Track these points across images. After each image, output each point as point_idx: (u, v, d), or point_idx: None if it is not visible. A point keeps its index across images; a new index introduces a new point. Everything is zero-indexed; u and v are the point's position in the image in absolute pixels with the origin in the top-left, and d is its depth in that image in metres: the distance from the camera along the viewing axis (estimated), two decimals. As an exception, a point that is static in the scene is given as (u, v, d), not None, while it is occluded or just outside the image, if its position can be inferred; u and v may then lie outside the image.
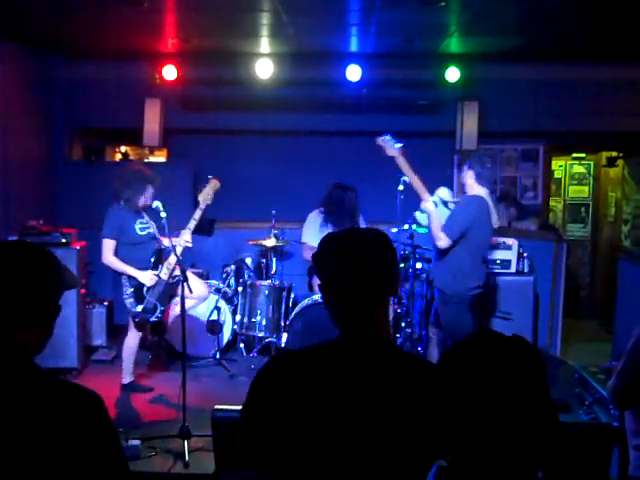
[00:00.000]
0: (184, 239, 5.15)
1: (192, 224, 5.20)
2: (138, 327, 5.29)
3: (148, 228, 5.22)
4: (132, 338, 5.33)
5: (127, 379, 5.40)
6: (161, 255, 5.25)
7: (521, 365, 1.42)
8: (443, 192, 5.26)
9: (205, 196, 5.20)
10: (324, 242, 1.79)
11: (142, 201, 5.13)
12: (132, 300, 5.14)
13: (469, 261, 4.88)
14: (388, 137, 5.00)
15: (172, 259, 5.12)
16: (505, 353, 1.43)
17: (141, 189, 5.12)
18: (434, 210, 4.94)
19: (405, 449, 1.62)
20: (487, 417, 1.39)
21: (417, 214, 5.36)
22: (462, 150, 7.57)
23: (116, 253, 5.13)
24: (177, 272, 5.08)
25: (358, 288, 1.71)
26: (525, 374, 1.41)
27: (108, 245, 5.12)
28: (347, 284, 1.72)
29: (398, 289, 1.87)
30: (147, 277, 5.12)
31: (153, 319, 5.21)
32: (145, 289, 5.15)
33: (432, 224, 4.90)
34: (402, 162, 4.98)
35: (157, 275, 5.16)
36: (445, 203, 5.14)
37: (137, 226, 5.18)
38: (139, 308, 5.13)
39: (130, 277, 5.13)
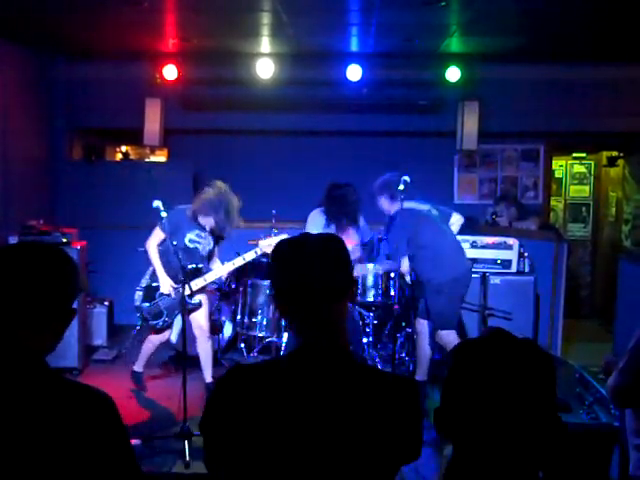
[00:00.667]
0: (222, 271, 5.20)
1: (239, 262, 5.22)
2: (151, 331, 5.35)
3: (199, 244, 5.19)
4: (149, 341, 5.38)
5: (136, 367, 5.45)
6: (194, 274, 5.13)
7: (533, 368, 1.41)
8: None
9: (266, 244, 5.13)
10: (275, 250, 1.75)
11: (203, 221, 5.14)
12: (141, 294, 5.18)
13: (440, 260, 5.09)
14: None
15: (199, 282, 5.14)
16: (518, 354, 1.42)
17: (210, 213, 5.09)
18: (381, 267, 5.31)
19: (361, 462, 1.60)
20: (494, 415, 1.39)
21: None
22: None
23: (162, 254, 5.14)
24: (198, 298, 5.20)
25: (310, 294, 1.67)
26: (535, 377, 1.41)
27: (156, 234, 5.12)
28: (299, 290, 1.68)
29: (355, 295, 1.81)
30: (166, 284, 5.11)
31: (153, 323, 5.20)
32: (158, 293, 5.17)
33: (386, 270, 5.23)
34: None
35: (177, 289, 5.07)
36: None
37: (190, 236, 5.14)
38: (145, 305, 5.17)
39: (154, 273, 5.16)
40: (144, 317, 5.21)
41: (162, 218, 4.88)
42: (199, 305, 5.22)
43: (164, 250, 5.12)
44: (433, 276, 5.03)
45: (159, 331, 5.31)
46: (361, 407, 1.63)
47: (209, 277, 5.19)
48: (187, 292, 5.11)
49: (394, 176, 5.18)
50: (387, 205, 5.20)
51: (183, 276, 4.75)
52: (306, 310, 1.69)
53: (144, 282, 5.21)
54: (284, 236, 5.21)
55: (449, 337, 5.03)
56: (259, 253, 5.17)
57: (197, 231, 5.17)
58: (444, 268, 5.03)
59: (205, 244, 5.22)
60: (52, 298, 1.59)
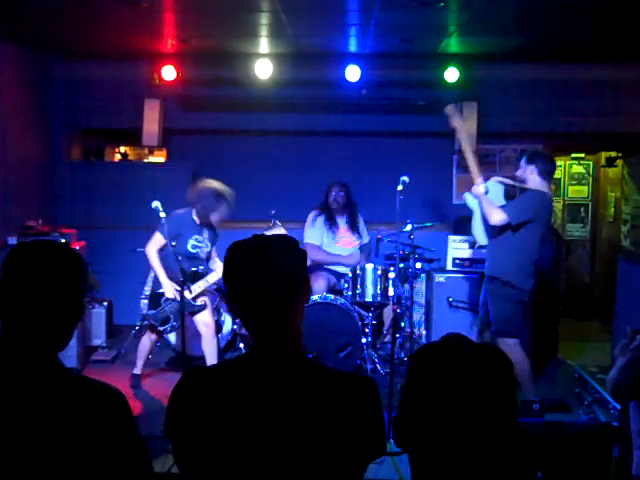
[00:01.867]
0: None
1: None
2: (150, 329, 5.34)
3: (200, 248, 5.21)
4: (146, 337, 5.39)
5: (136, 370, 5.48)
6: (195, 278, 5.20)
7: (491, 373, 1.38)
8: (495, 182, 5.18)
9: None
10: (227, 252, 1.75)
11: (216, 217, 5.15)
12: (147, 301, 5.19)
13: (533, 259, 4.87)
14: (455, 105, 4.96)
15: (202, 284, 5.17)
16: (475, 359, 1.39)
17: (212, 208, 5.12)
18: (484, 195, 4.91)
19: (322, 461, 1.60)
20: (451, 423, 1.35)
21: (467, 196, 5.24)
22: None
23: (165, 259, 5.13)
24: (202, 300, 5.23)
25: (260, 297, 1.67)
26: (494, 382, 1.38)
27: (157, 239, 5.11)
28: (249, 293, 1.68)
29: (308, 295, 1.78)
30: (170, 290, 5.12)
31: (161, 329, 5.21)
32: (163, 298, 5.18)
33: (484, 205, 4.85)
34: (464, 137, 4.94)
35: (180, 292, 5.09)
36: (503, 185, 5.05)
37: (191, 242, 5.17)
38: (151, 312, 5.18)
39: (156, 280, 5.18)
40: (152, 325, 5.22)
41: (161, 219, 4.88)
42: (204, 307, 5.25)
43: (164, 256, 5.13)
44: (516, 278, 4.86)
45: (161, 333, 5.33)
46: (316, 406, 1.62)
47: (211, 278, 5.21)
48: (191, 295, 5.13)
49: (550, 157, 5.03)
50: (531, 174, 4.92)
51: (184, 280, 4.79)
52: (257, 312, 1.69)
53: (147, 290, 5.23)
54: (281, 229, 5.24)
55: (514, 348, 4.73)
56: None
57: (197, 236, 5.19)
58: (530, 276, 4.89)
59: (204, 247, 5.26)
60: (64, 294, 1.63)
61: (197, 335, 5.39)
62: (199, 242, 5.20)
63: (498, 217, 4.77)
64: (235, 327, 6.33)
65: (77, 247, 5.86)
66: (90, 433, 1.55)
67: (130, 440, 1.62)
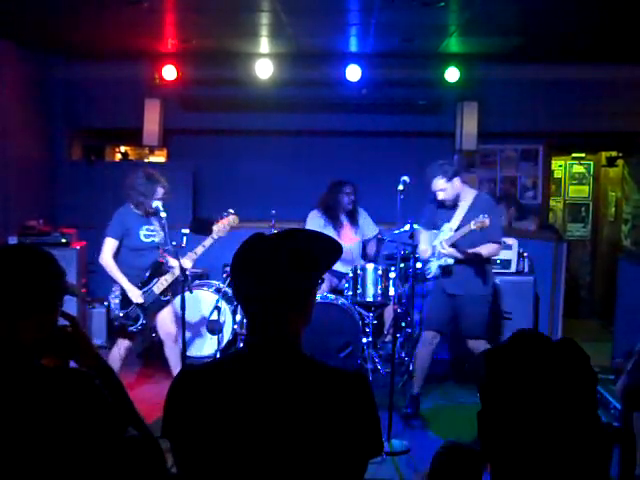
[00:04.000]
0: (185, 264, 4.98)
1: (200, 250, 5.14)
2: (118, 333, 5.25)
3: (153, 236, 5.15)
4: (115, 350, 5.20)
5: None
6: (159, 268, 5.16)
7: (570, 369, 1.40)
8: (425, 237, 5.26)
9: (220, 228, 5.15)
10: (236, 252, 1.77)
11: (152, 204, 5.05)
12: (117, 302, 5.10)
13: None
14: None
15: (169, 277, 5.13)
16: (555, 356, 1.42)
17: (151, 192, 5.06)
18: (457, 252, 4.91)
19: (320, 459, 1.61)
20: (535, 419, 1.38)
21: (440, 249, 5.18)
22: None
23: (117, 255, 5.08)
24: (169, 294, 5.20)
25: (260, 295, 1.69)
26: (574, 378, 1.40)
27: (109, 244, 5.06)
28: (250, 292, 1.71)
29: (311, 307, 1.78)
30: (136, 295, 5.04)
31: (132, 329, 5.14)
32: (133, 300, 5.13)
33: (468, 256, 4.86)
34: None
35: (150, 289, 5.09)
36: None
37: (142, 232, 5.10)
38: (122, 313, 5.10)
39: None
40: (123, 324, 5.12)
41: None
42: (169, 301, 5.23)
43: (123, 258, 5.09)
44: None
45: (131, 336, 5.22)
46: (309, 401, 1.63)
47: (175, 271, 5.09)
48: (159, 291, 5.11)
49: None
50: (459, 185, 4.95)
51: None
52: (255, 313, 1.73)
53: (117, 291, 5.11)
54: (233, 217, 5.22)
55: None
56: (215, 238, 5.14)
57: (146, 226, 5.12)
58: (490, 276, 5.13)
59: (158, 234, 5.16)
60: (31, 290, 1.73)
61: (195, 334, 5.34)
62: (150, 231, 5.15)
63: (498, 251, 5.03)
64: (235, 327, 6.34)
65: (78, 247, 5.86)
66: (64, 420, 1.60)
67: (108, 423, 1.68)
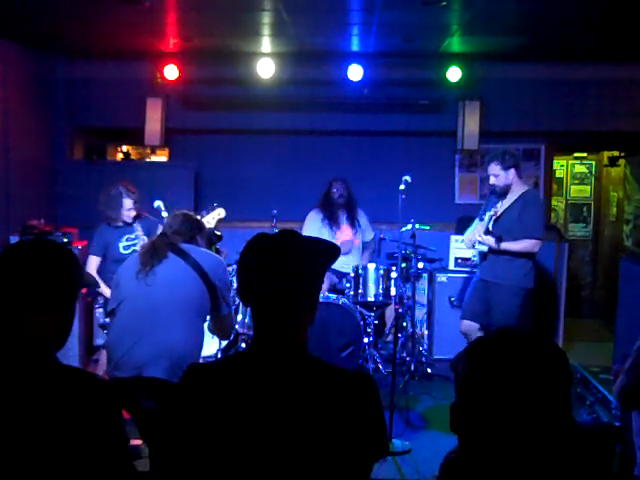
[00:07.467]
0: None
1: None
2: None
3: (134, 245, 5.19)
4: (105, 351, 5.26)
5: None
6: None
7: (547, 368, 1.42)
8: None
9: (209, 220, 5.17)
10: (243, 251, 1.80)
11: (124, 217, 5.16)
12: (102, 310, 5.16)
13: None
14: None
15: None
16: (532, 352, 1.44)
17: (117, 206, 5.15)
18: (497, 244, 4.98)
19: (325, 460, 1.61)
20: (508, 412, 1.39)
21: (476, 244, 5.26)
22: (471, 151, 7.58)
23: (102, 267, 5.19)
24: None
25: (272, 294, 1.70)
26: (550, 377, 1.42)
27: (92, 262, 5.21)
28: (261, 292, 1.71)
29: (315, 300, 1.79)
30: None
31: None
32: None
33: (507, 248, 4.94)
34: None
35: None
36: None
37: (122, 244, 5.19)
38: (107, 319, 5.12)
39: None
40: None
41: (162, 219, 4.87)
42: None
43: (106, 267, 5.17)
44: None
45: None
46: (315, 402, 1.62)
47: None
48: None
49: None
50: (512, 176, 5.06)
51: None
52: (260, 313, 1.73)
53: (101, 301, 5.18)
54: (220, 209, 5.23)
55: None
56: None
57: (126, 235, 5.19)
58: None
59: (140, 240, 5.21)
60: (52, 285, 1.72)
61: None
62: (131, 240, 5.21)
63: (536, 246, 5.01)
64: (236, 327, 6.34)
65: (79, 246, 5.86)
66: (74, 422, 1.59)
67: (112, 433, 1.66)
